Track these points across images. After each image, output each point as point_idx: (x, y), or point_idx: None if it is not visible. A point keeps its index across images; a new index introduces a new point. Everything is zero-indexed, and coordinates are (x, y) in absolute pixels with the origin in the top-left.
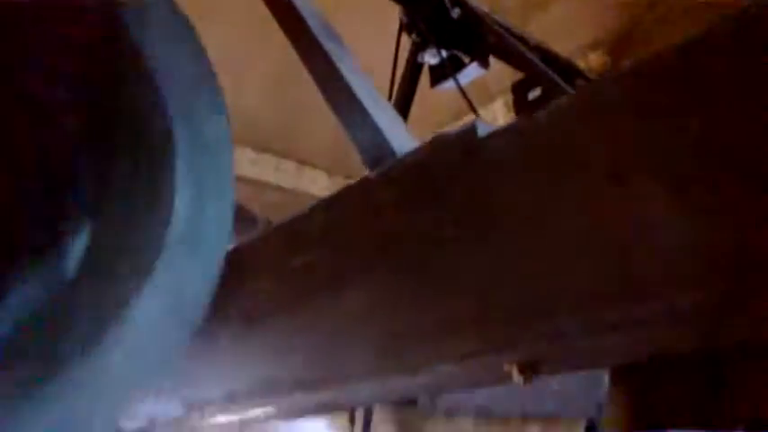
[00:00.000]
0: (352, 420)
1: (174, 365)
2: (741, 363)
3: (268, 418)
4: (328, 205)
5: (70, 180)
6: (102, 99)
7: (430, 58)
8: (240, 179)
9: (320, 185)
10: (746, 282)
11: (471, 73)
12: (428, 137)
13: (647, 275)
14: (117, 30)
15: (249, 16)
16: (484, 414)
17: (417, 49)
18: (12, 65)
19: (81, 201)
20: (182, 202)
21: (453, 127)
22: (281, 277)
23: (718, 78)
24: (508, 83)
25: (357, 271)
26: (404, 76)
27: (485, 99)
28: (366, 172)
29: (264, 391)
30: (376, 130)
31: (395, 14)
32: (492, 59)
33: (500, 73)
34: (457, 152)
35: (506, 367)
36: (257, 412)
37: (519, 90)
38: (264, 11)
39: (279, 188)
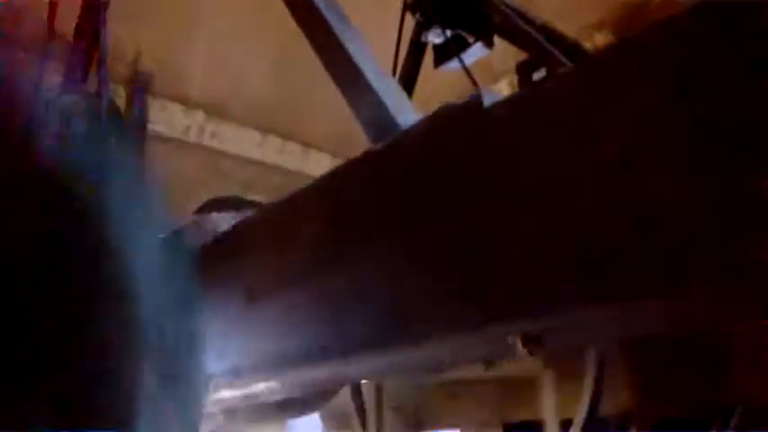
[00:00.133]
0: (363, 426)
1: None
2: (746, 347)
3: (272, 393)
4: (332, 178)
5: None
6: None
7: (434, 37)
8: (245, 161)
9: (325, 168)
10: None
11: (476, 53)
12: None
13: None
14: None
15: None
16: None
17: (421, 28)
18: None
19: None
20: None
21: None
22: (284, 252)
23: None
24: (513, 63)
25: (361, 244)
26: (407, 56)
27: (489, 79)
28: None
29: (269, 365)
30: (381, 106)
31: None
32: (497, 39)
33: (505, 53)
34: (462, 122)
35: (510, 340)
36: (261, 387)
37: (524, 70)
38: None
39: (284, 170)
